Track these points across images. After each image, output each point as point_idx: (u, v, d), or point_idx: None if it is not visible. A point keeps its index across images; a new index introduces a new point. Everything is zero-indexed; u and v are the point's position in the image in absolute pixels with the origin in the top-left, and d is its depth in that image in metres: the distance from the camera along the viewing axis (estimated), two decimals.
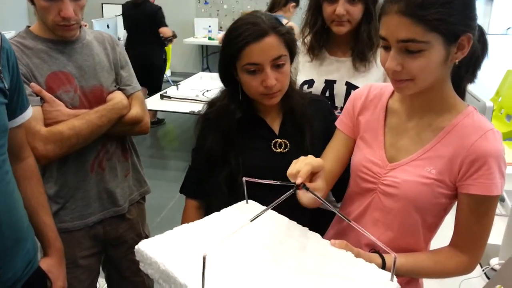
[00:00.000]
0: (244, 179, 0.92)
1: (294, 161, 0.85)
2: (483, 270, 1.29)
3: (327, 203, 0.79)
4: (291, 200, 0.95)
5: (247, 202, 0.97)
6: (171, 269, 0.72)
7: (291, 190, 0.78)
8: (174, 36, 5.11)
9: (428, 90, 0.90)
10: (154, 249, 0.78)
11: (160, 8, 4.89)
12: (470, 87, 1.51)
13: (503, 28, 6.21)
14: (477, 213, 0.89)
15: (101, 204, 1.43)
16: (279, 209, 0.93)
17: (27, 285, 1.03)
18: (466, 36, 0.84)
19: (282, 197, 0.75)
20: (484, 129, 0.88)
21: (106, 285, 1.72)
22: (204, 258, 0.63)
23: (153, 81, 4.87)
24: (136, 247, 0.80)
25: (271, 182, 0.85)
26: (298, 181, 0.78)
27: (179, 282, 0.70)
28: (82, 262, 1.43)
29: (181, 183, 1.29)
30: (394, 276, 0.74)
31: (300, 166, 0.81)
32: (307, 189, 0.79)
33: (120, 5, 7.65)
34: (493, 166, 0.86)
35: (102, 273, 1.63)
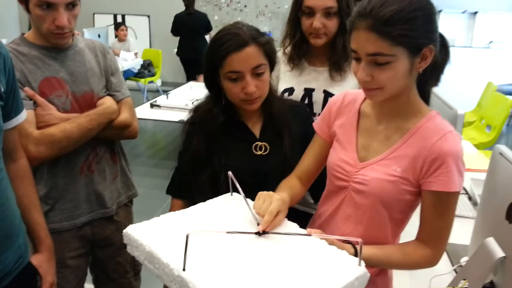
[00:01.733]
0: (229, 173, 1.00)
1: (258, 196, 0.98)
2: (453, 268, 1.37)
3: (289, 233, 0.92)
4: None
5: (231, 195, 1.04)
6: (155, 250, 0.78)
7: (254, 234, 0.89)
8: None
9: (395, 97, 0.98)
10: (140, 233, 0.84)
11: (206, 15, 6.33)
12: (449, 97, 1.60)
13: (485, 41, 6.40)
14: (439, 209, 0.97)
15: (89, 206, 1.48)
16: None
17: (17, 278, 1.08)
18: (428, 48, 0.92)
19: (243, 232, 0.88)
20: (444, 131, 0.96)
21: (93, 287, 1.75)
22: (187, 237, 0.69)
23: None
24: (124, 231, 0.86)
25: (247, 199, 0.93)
26: (260, 229, 0.90)
27: (162, 261, 0.76)
28: (70, 262, 1.48)
29: None
30: (362, 261, 0.81)
31: (264, 209, 0.93)
32: (267, 233, 0.90)
33: (112, 15, 7.77)
34: (452, 164, 0.93)
35: (89, 278, 1.66)
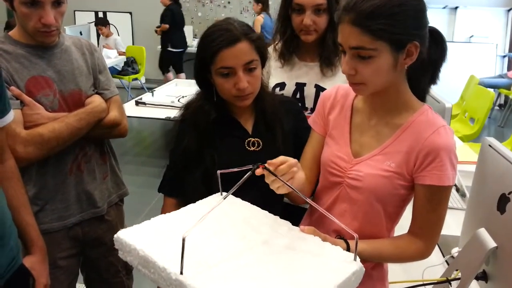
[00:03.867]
0: (218, 172, 0.99)
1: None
2: (445, 259, 1.39)
3: (294, 188, 0.89)
4: (266, 197, 1.03)
5: (221, 194, 1.03)
6: (150, 254, 0.77)
7: (254, 167, 0.88)
8: None
9: (385, 92, 0.99)
10: (132, 237, 0.82)
11: None
12: (435, 91, 1.62)
13: (466, 36, 6.50)
14: (432, 202, 0.98)
15: (80, 206, 1.46)
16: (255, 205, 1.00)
17: (10, 281, 1.06)
18: (412, 44, 0.92)
19: (246, 175, 0.85)
20: (437, 125, 0.97)
21: None
22: (183, 240, 0.68)
23: None
24: (115, 236, 0.83)
25: (244, 168, 0.91)
26: (266, 164, 0.89)
27: (158, 266, 0.74)
28: (62, 263, 1.45)
29: (157, 188, 1.34)
30: (357, 256, 0.81)
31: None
32: (268, 169, 0.89)
33: (93, 12, 7.63)
34: (445, 159, 0.95)
35: (79, 279, 1.64)
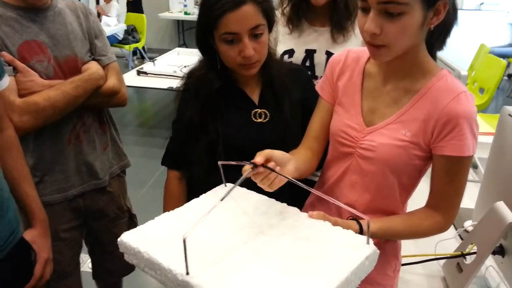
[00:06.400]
0: (219, 163, 0.92)
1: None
2: (457, 232, 1.35)
3: (290, 178, 0.84)
4: None
5: (225, 185, 0.97)
6: (154, 256, 0.74)
7: (251, 168, 0.83)
8: None
9: (403, 55, 0.91)
10: (136, 240, 0.79)
11: None
12: (447, 58, 1.54)
13: (476, 3, 6.29)
14: (451, 174, 0.92)
15: (80, 177, 1.42)
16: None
17: (10, 255, 1.02)
18: (442, 1, 0.85)
19: (243, 176, 0.80)
20: (456, 91, 0.90)
21: (89, 259, 1.72)
22: (184, 241, 0.65)
23: None
24: (118, 239, 0.80)
25: (243, 163, 0.85)
26: (257, 159, 0.83)
27: (164, 267, 0.72)
28: (64, 235, 1.43)
29: (160, 159, 1.29)
30: (370, 239, 0.77)
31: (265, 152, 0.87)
32: (265, 166, 0.84)
33: None
34: (465, 127, 0.88)
35: (85, 249, 1.62)
